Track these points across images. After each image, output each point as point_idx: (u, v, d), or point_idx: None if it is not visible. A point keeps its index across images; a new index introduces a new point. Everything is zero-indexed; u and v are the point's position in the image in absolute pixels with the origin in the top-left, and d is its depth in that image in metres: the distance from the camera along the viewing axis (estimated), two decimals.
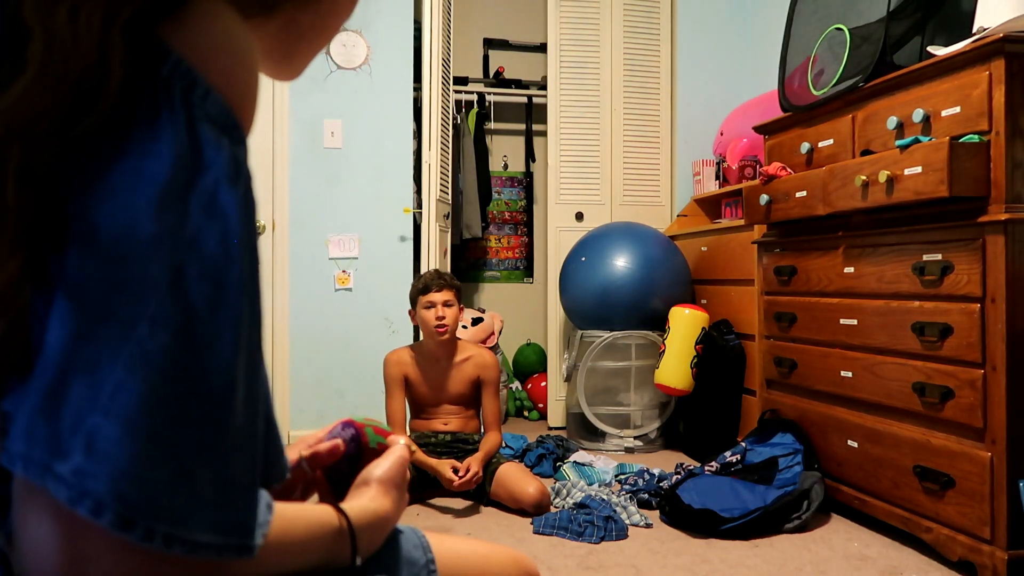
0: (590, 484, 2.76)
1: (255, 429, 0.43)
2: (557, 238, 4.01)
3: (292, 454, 0.77)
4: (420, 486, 2.60)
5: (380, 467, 0.71)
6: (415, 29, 3.72)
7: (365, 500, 0.66)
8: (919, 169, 1.93)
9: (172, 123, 0.40)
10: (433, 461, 2.57)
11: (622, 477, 2.87)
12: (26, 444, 0.37)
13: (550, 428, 3.98)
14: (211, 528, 0.40)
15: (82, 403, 0.37)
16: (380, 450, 0.78)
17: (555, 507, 2.54)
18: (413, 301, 2.73)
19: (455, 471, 2.49)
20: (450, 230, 4.08)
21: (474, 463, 2.50)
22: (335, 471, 0.76)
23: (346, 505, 0.62)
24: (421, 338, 2.81)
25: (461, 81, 4.66)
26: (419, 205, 3.61)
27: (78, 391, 0.37)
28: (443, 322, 2.63)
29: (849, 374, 2.34)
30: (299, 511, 0.56)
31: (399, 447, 0.75)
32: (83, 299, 0.38)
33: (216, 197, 0.41)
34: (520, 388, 4.52)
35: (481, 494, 2.61)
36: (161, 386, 0.38)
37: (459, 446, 2.72)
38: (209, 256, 0.40)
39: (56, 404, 0.37)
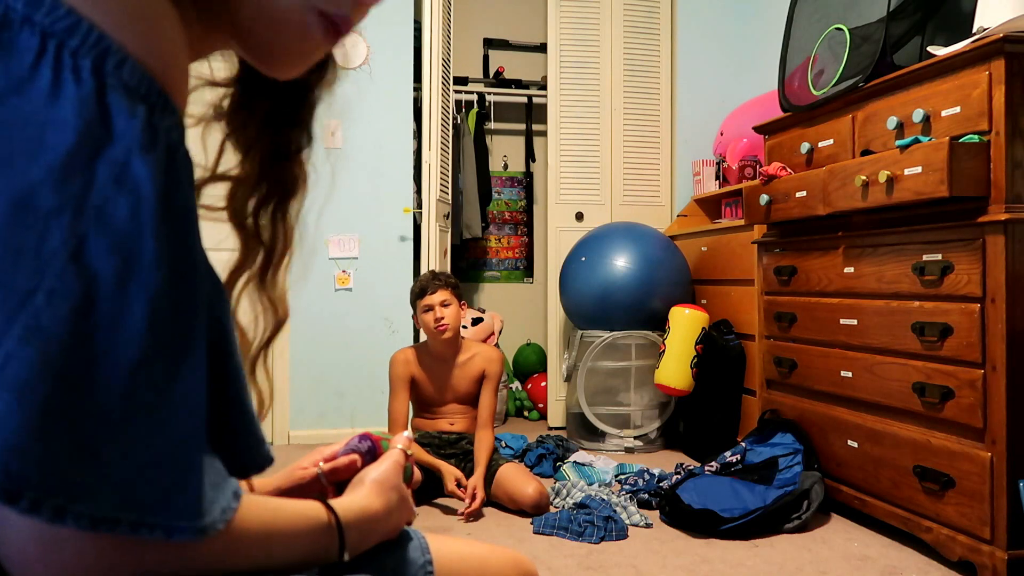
0: (590, 484, 2.76)
1: (185, 412, 0.42)
2: (557, 238, 4.01)
3: (306, 463, 0.78)
4: (427, 488, 2.60)
5: (375, 469, 0.71)
6: (415, 29, 3.72)
7: (356, 498, 0.66)
8: (919, 169, 1.93)
9: (78, 93, 0.39)
10: (437, 462, 2.57)
11: (622, 477, 2.86)
12: None
13: (550, 428, 3.98)
14: (114, 504, 0.39)
15: None
16: None
17: (555, 507, 2.54)
18: (413, 306, 2.74)
19: (459, 484, 2.51)
20: (450, 230, 4.08)
21: (479, 487, 2.50)
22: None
23: (335, 502, 0.62)
24: (424, 338, 2.81)
25: (461, 81, 4.66)
26: (419, 205, 3.61)
27: None
28: (442, 322, 2.63)
29: (849, 374, 2.34)
30: (284, 504, 0.56)
31: (396, 451, 0.75)
32: None
33: (128, 167, 0.40)
34: (520, 388, 4.52)
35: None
36: (58, 358, 0.37)
37: (465, 446, 2.72)
38: (117, 229, 0.39)
39: None
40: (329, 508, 0.60)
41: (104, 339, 0.38)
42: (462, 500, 2.50)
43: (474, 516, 2.48)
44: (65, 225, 0.38)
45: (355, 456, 0.77)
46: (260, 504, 0.52)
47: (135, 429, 0.39)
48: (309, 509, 0.58)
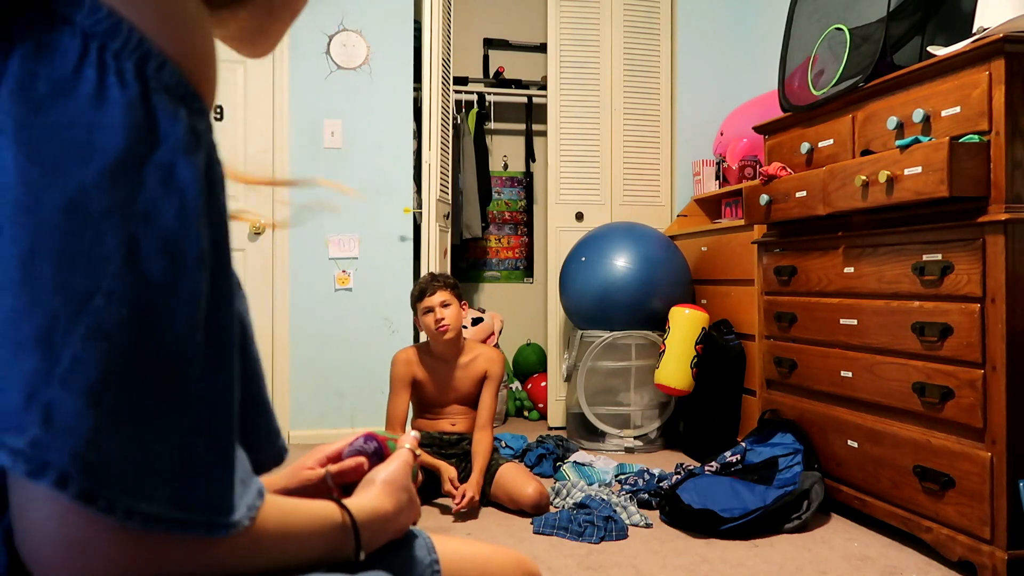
0: (590, 484, 2.76)
1: (224, 408, 0.43)
2: (557, 238, 4.01)
3: (310, 462, 0.78)
4: (429, 488, 2.60)
5: (385, 469, 0.72)
6: (415, 29, 3.72)
7: (367, 498, 0.66)
8: (919, 169, 1.93)
9: (124, 96, 0.40)
10: (436, 461, 2.57)
11: (622, 477, 2.86)
12: None
13: (550, 428, 3.98)
14: (170, 502, 0.39)
15: (36, 377, 0.36)
16: None
17: (555, 507, 2.54)
18: (414, 309, 2.74)
19: (453, 485, 2.50)
20: (450, 230, 4.08)
21: (470, 489, 2.48)
22: (355, 487, 0.78)
23: (349, 502, 0.62)
24: (425, 338, 2.81)
25: (461, 81, 4.66)
26: (419, 205, 3.61)
27: (30, 365, 0.36)
28: (443, 323, 2.63)
29: (849, 374, 2.34)
30: (300, 504, 0.56)
31: (405, 451, 0.76)
32: (32, 272, 0.37)
33: (173, 170, 0.41)
34: (520, 388, 4.52)
35: (482, 495, 2.61)
36: (119, 359, 0.38)
37: (466, 446, 2.72)
38: (166, 230, 0.40)
39: (5, 378, 0.36)
40: (344, 508, 0.60)
41: (157, 339, 0.39)
42: (461, 506, 2.49)
43: (465, 514, 2.47)
44: (118, 227, 0.39)
45: (362, 459, 0.77)
46: (277, 503, 0.52)
47: (185, 428, 0.40)
48: (324, 509, 0.58)
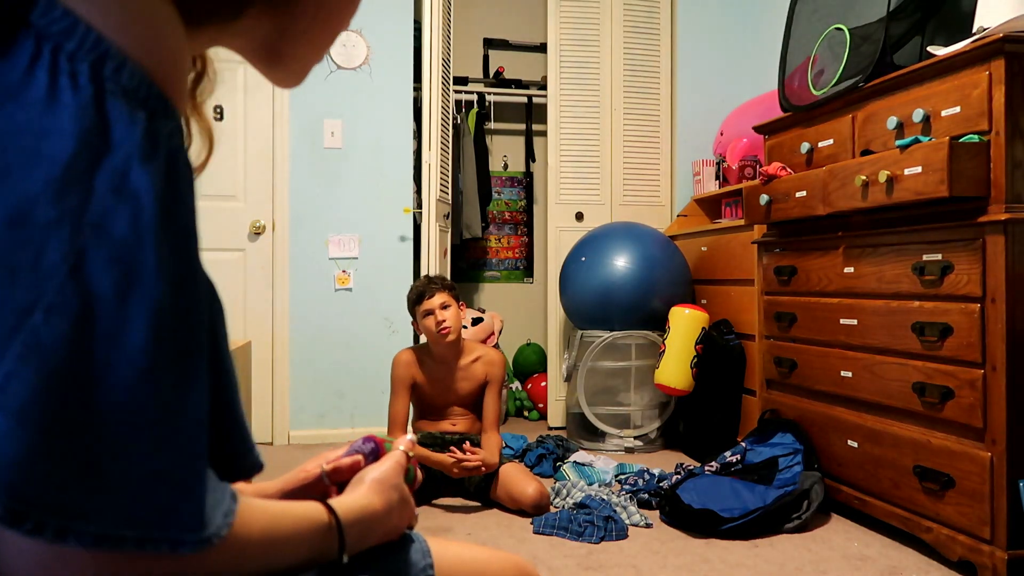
0: (590, 484, 2.76)
1: (189, 420, 0.41)
2: (557, 238, 4.01)
3: (311, 466, 0.78)
4: (428, 488, 2.60)
5: (377, 468, 0.71)
6: (415, 29, 3.72)
7: (356, 496, 0.66)
8: (919, 169, 1.93)
9: (76, 100, 0.38)
10: (437, 456, 2.56)
11: (622, 477, 2.86)
12: None
13: (550, 428, 3.98)
14: (128, 521, 0.38)
15: None
16: None
17: (555, 507, 2.54)
18: (412, 312, 2.72)
19: (460, 453, 2.51)
20: (450, 230, 4.08)
21: (479, 454, 2.50)
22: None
23: (335, 501, 0.62)
24: (424, 339, 2.81)
25: (461, 81, 4.66)
26: (419, 205, 3.61)
27: None
28: (444, 325, 2.62)
29: (849, 374, 2.34)
30: (285, 507, 0.56)
31: (398, 452, 0.75)
32: None
33: (127, 177, 0.39)
34: (520, 388, 4.51)
35: (482, 495, 2.61)
36: (58, 376, 0.36)
37: (468, 445, 2.72)
38: (117, 240, 0.38)
39: None
40: (329, 508, 0.60)
41: (105, 354, 0.37)
42: (465, 459, 2.49)
43: (467, 511, 2.47)
44: (64, 239, 0.37)
45: (358, 457, 0.77)
46: (260, 508, 0.52)
47: (140, 444, 0.39)
48: (309, 510, 0.58)
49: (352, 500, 0.64)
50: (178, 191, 0.42)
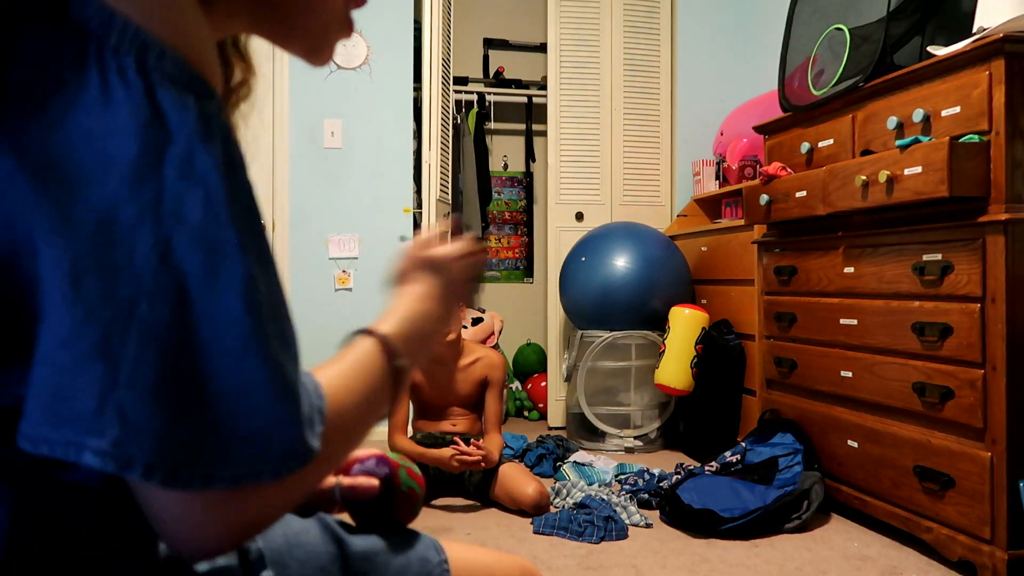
0: (590, 484, 2.76)
1: (292, 372, 0.44)
2: (557, 238, 4.01)
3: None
4: (428, 488, 2.59)
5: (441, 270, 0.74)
6: (415, 29, 3.73)
7: (404, 308, 0.71)
8: (919, 169, 1.93)
9: (129, 95, 0.39)
10: (433, 452, 2.55)
11: (622, 477, 2.86)
12: (50, 428, 0.39)
13: (550, 428, 3.98)
14: (259, 460, 0.42)
15: (104, 383, 0.38)
16: (410, 494, 0.82)
17: (555, 507, 2.54)
18: None
19: (461, 445, 2.50)
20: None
21: (479, 449, 2.49)
22: (361, 504, 0.79)
23: (381, 329, 0.62)
24: None
25: (461, 81, 4.66)
26: (419, 205, 3.61)
27: (95, 373, 0.38)
28: None
29: (849, 374, 2.34)
30: (344, 368, 0.55)
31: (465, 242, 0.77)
32: (78, 287, 0.39)
33: (191, 161, 0.41)
34: (520, 388, 4.52)
35: (482, 495, 2.61)
36: (175, 354, 0.39)
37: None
38: (195, 223, 0.40)
39: (74, 387, 0.38)
40: (379, 339, 0.60)
41: (208, 329, 0.40)
42: (468, 454, 2.48)
43: (468, 509, 2.47)
44: (148, 232, 0.39)
45: (375, 482, 0.77)
46: (331, 383, 0.52)
47: (255, 400, 0.42)
48: (361, 354, 0.58)
49: (404, 310, 0.70)
50: (236, 165, 0.44)
